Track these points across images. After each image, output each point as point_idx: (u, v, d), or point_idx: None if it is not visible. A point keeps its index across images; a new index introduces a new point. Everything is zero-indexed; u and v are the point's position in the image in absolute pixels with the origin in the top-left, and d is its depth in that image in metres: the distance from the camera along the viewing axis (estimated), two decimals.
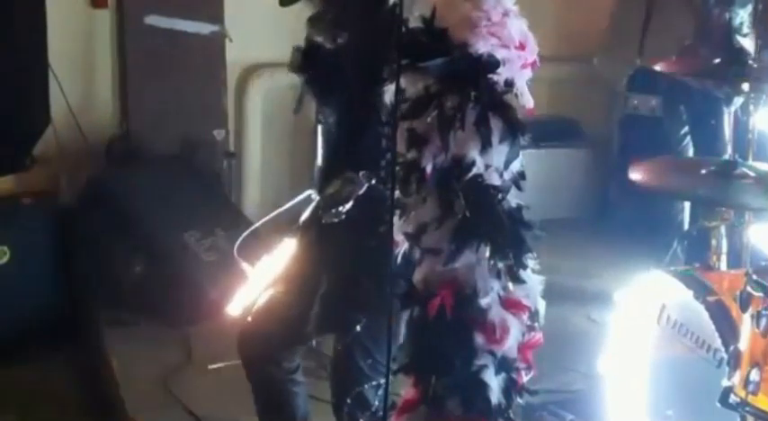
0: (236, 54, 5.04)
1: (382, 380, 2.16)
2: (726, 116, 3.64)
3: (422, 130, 1.99)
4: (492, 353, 2.00)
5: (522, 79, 2.02)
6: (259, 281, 2.92)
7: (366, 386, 2.57)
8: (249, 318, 2.85)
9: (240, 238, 3.40)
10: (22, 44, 4.43)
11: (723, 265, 3.37)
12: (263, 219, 3.17)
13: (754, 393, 2.60)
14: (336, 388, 2.70)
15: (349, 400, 2.62)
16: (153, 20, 4.80)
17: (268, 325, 2.77)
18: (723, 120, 3.64)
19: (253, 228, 3.31)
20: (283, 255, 2.83)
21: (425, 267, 2.02)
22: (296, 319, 2.71)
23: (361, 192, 2.49)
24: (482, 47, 1.95)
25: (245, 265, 3.45)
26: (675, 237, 3.97)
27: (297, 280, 2.75)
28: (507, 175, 2.00)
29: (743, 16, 3.89)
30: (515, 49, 1.99)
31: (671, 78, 4.20)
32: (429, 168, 1.97)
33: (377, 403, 2.53)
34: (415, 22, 1.99)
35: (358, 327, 2.55)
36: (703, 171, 3.18)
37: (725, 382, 2.67)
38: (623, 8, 5.15)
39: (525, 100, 2.03)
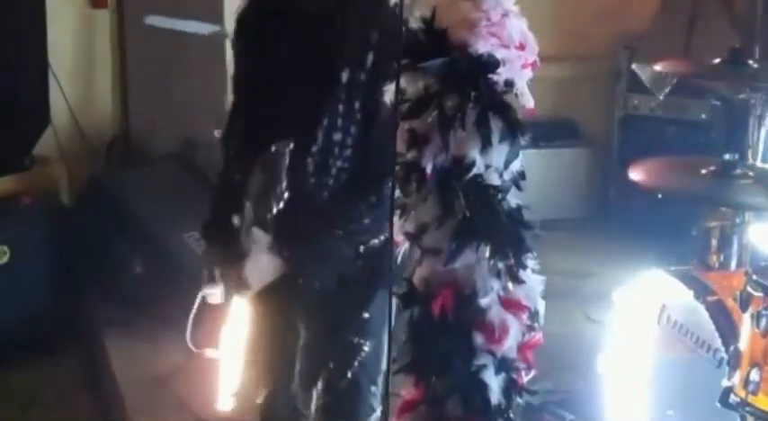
0: None
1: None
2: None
3: (422, 130, 1.99)
4: (492, 354, 2.00)
5: (522, 79, 2.02)
6: (233, 361, 2.66)
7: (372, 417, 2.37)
8: (258, 402, 2.61)
9: (188, 330, 3.23)
10: (22, 44, 4.43)
11: (723, 265, 3.36)
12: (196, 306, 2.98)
13: (754, 393, 2.59)
14: None
15: None
16: (153, 20, 4.80)
17: (272, 396, 2.55)
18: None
19: (192, 315, 3.11)
20: (243, 315, 2.59)
21: (426, 267, 2.02)
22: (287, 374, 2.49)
23: (286, 162, 2.22)
24: (482, 47, 1.95)
25: (208, 351, 3.26)
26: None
27: (273, 336, 2.53)
28: (507, 175, 2.01)
29: None
30: (515, 49, 1.99)
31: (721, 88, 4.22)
32: (429, 168, 1.97)
33: None
34: (415, 23, 1.99)
35: (363, 354, 2.34)
36: (703, 171, 3.18)
37: (725, 382, 2.67)
38: (667, 15, 5.14)
39: (525, 100, 2.04)
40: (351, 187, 2.23)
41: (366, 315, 2.29)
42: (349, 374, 2.35)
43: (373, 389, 2.33)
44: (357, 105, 2.18)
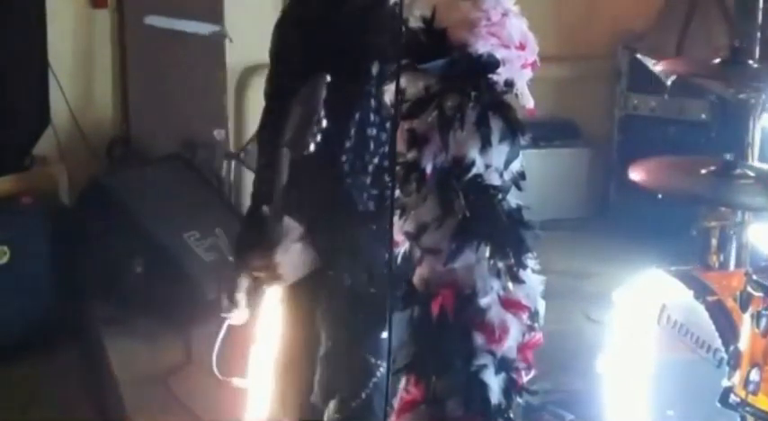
0: (236, 54, 5.04)
1: None
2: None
3: (422, 130, 1.98)
4: (492, 353, 1.99)
5: (522, 79, 2.02)
6: (260, 388, 2.59)
7: None
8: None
9: (214, 357, 3.22)
10: (22, 44, 4.43)
11: (723, 265, 3.36)
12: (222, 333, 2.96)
13: (754, 393, 2.60)
14: None
15: None
16: (153, 20, 4.80)
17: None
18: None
19: (219, 341, 3.10)
20: (271, 336, 2.54)
21: (425, 267, 2.01)
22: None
23: (323, 94, 2.15)
24: (482, 47, 1.95)
25: (235, 380, 3.23)
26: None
27: (298, 337, 2.49)
28: (507, 175, 2.00)
29: None
30: (515, 49, 1.99)
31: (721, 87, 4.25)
32: (429, 168, 1.96)
33: None
34: (415, 22, 1.98)
35: (378, 374, 2.33)
36: (703, 171, 3.18)
37: (725, 382, 2.67)
38: (669, 8, 5.17)
39: (525, 100, 2.03)
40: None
41: (384, 334, 2.21)
42: (363, 394, 2.34)
43: (388, 409, 2.25)
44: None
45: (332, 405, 2.39)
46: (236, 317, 2.41)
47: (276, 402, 2.56)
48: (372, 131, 2.24)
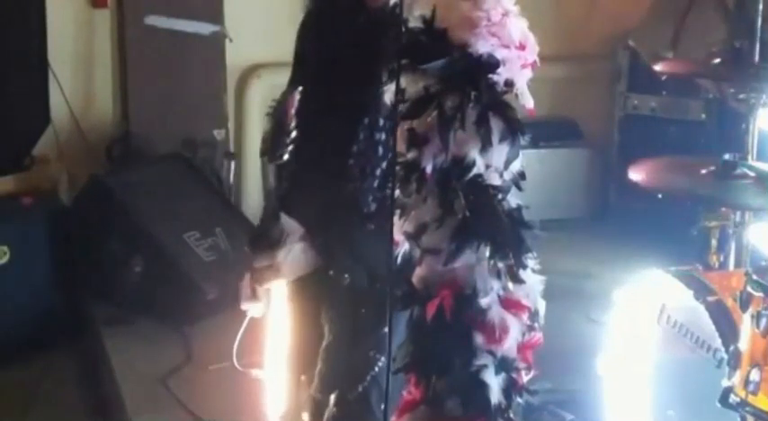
0: (236, 54, 5.04)
1: None
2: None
3: (422, 130, 1.98)
4: (492, 353, 1.99)
5: (522, 79, 2.02)
6: (278, 381, 2.65)
7: None
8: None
9: (234, 350, 3.27)
10: (22, 44, 4.43)
11: (723, 265, 3.36)
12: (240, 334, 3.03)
13: (754, 393, 2.59)
14: None
15: None
16: (153, 20, 4.80)
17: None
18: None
19: (240, 334, 3.15)
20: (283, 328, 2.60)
21: (425, 267, 2.01)
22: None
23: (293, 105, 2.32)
24: (482, 47, 1.95)
25: (254, 373, 3.30)
26: None
27: (300, 333, 2.54)
28: (507, 175, 2.00)
29: None
30: (515, 49, 1.99)
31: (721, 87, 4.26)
32: (429, 168, 1.96)
33: None
34: (414, 22, 1.98)
35: (377, 368, 2.35)
36: (703, 171, 3.18)
37: (725, 382, 2.67)
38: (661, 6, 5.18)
39: (525, 100, 2.03)
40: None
41: (385, 329, 2.22)
42: (360, 388, 2.37)
43: (382, 408, 2.25)
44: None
45: (332, 398, 2.42)
46: (256, 309, 2.46)
47: (289, 395, 2.60)
48: (381, 136, 2.27)
